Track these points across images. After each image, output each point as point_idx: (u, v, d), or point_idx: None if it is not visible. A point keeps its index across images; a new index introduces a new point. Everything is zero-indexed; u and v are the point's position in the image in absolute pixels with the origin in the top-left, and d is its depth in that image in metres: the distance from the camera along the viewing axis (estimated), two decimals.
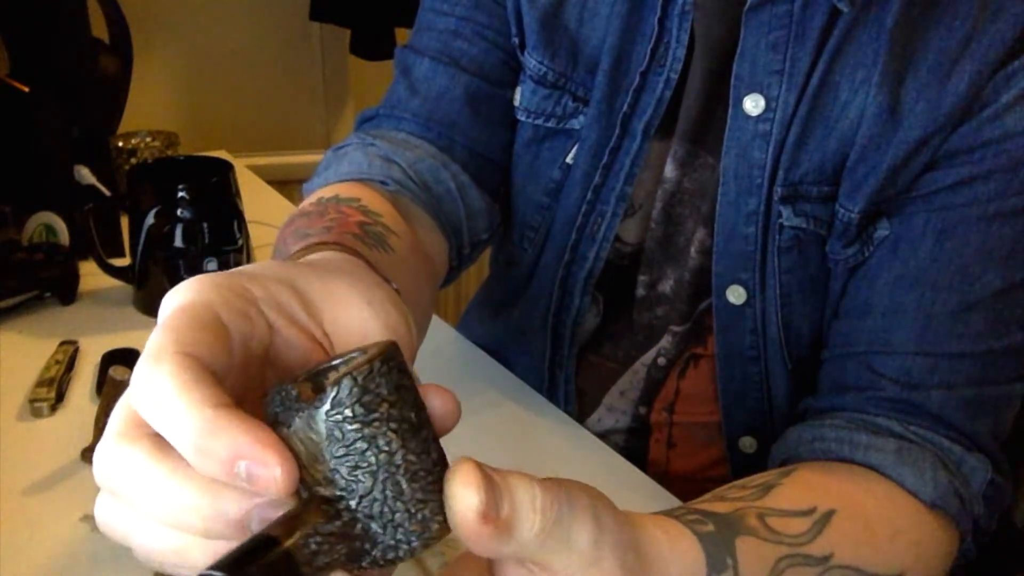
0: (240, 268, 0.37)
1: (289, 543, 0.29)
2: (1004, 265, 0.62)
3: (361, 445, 0.30)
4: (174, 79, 1.98)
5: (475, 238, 0.75)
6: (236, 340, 0.33)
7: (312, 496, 0.31)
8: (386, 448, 0.31)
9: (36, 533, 0.62)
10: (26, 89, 1.05)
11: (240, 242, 0.93)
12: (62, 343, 0.86)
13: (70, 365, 0.83)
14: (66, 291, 0.95)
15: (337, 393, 0.30)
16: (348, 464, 0.30)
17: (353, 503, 0.31)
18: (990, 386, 0.63)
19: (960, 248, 0.62)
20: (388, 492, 0.31)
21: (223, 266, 0.92)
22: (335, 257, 0.45)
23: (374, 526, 0.31)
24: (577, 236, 0.76)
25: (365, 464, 0.30)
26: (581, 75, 0.73)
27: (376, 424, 0.30)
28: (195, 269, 0.91)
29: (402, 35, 2.05)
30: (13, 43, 1.13)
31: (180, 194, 0.89)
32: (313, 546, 0.30)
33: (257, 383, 0.35)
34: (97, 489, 0.66)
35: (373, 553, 0.32)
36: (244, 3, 2.02)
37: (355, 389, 0.30)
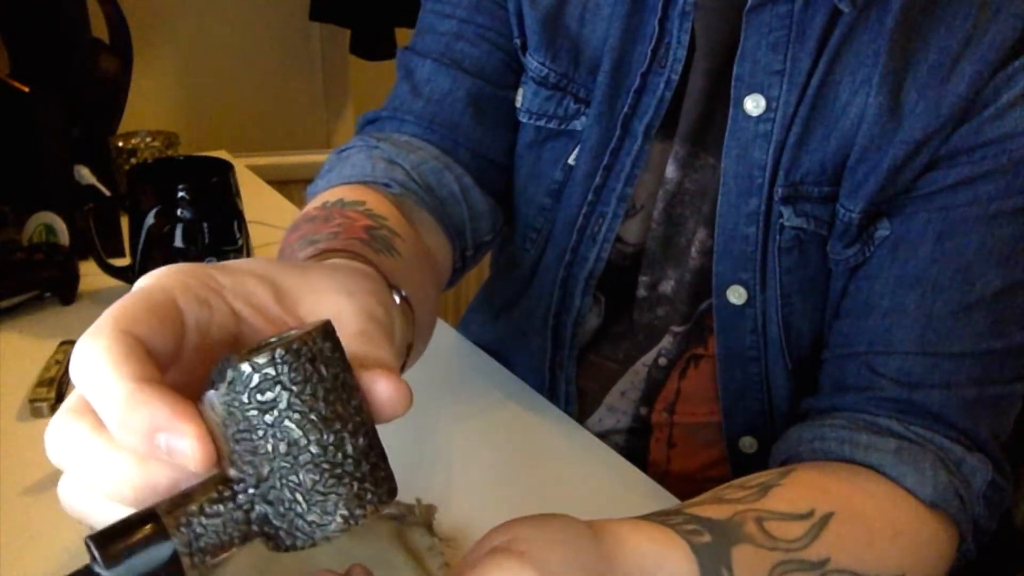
0: (219, 263, 0.37)
1: (167, 519, 0.29)
2: (1005, 265, 0.62)
3: (258, 431, 0.30)
4: (174, 79, 1.98)
5: (478, 240, 0.75)
6: (191, 325, 0.33)
7: (213, 475, 0.31)
8: (283, 437, 0.30)
9: (36, 533, 0.62)
10: (26, 89, 1.05)
11: (240, 242, 0.93)
12: (62, 343, 0.86)
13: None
14: (66, 291, 0.95)
15: (234, 376, 0.30)
16: (246, 448, 0.30)
17: (251, 488, 0.31)
18: (991, 386, 0.63)
19: (961, 248, 0.62)
20: (286, 481, 0.30)
21: None
22: (342, 264, 0.45)
23: (271, 513, 0.31)
24: (578, 237, 0.76)
25: (262, 451, 0.30)
26: (583, 76, 0.73)
27: (274, 412, 0.30)
28: None
29: (402, 35, 2.05)
30: (13, 43, 1.13)
31: (180, 194, 0.89)
32: (198, 527, 0.30)
33: None
34: None
35: (271, 541, 0.31)
36: (244, 3, 2.02)
37: (254, 375, 0.30)
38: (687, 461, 0.81)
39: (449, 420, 0.76)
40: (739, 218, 0.68)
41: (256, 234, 1.02)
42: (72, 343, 0.86)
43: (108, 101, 1.20)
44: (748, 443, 0.77)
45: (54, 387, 0.78)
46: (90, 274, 0.96)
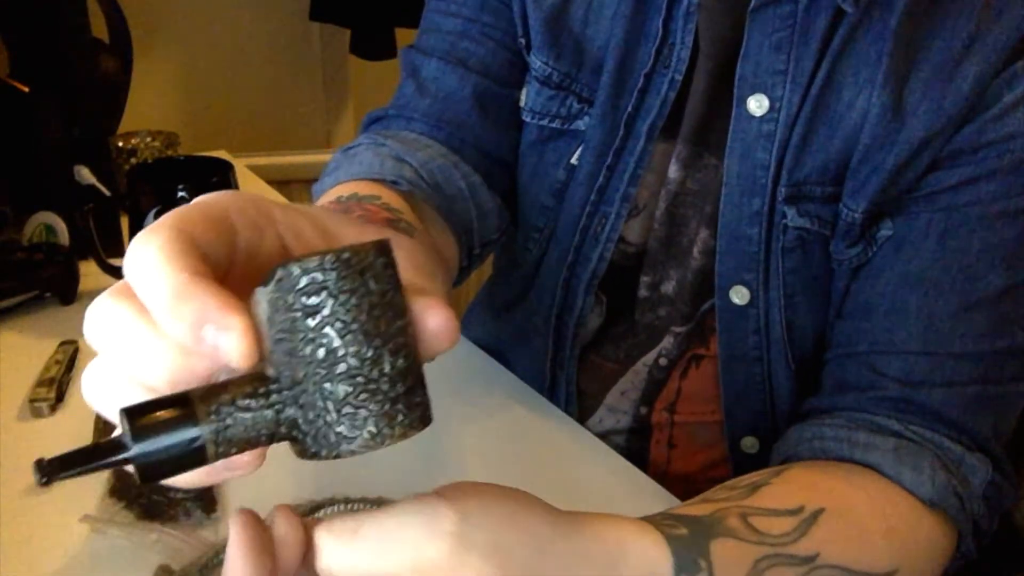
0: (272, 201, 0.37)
1: (200, 406, 0.29)
2: (1007, 265, 0.62)
3: (299, 334, 0.30)
4: (174, 79, 1.98)
5: (485, 238, 0.75)
6: (241, 246, 0.33)
7: (250, 372, 0.31)
8: (323, 344, 0.30)
9: (36, 533, 0.62)
10: (26, 89, 1.05)
11: None
12: (62, 343, 0.86)
13: (70, 365, 0.82)
14: (66, 291, 0.95)
15: (283, 275, 0.30)
16: (285, 348, 0.30)
17: (285, 389, 0.31)
18: (993, 385, 0.63)
19: (963, 248, 0.62)
20: (319, 388, 0.30)
21: None
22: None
23: (301, 418, 0.31)
24: (581, 237, 0.76)
25: (300, 353, 0.30)
26: (586, 76, 0.73)
27: (317, 317, 0.30)
28: None
29: (402, 35, 2.05)
30: (13, 43, 1.13)
31: (180, 194, 0.89)
32: (228, 419, 0.30)
33: None
34: (97, 491, 0.66)
35: (297, 445, 0.31)
36: (244, 3, 2.02)
37: (302, 277, 0.30)
38: (687, 462, 0.81)
39: (449, 420, 0.76)
40: (742, 218, 0.68)
41: None
42: (72, 343, 0.86)
43: (108, 101, 1.19)
44: (750, 443, 0.77)
45: (54, 387, 0.77)
46: (90, 274, 0.96)
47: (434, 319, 0.32)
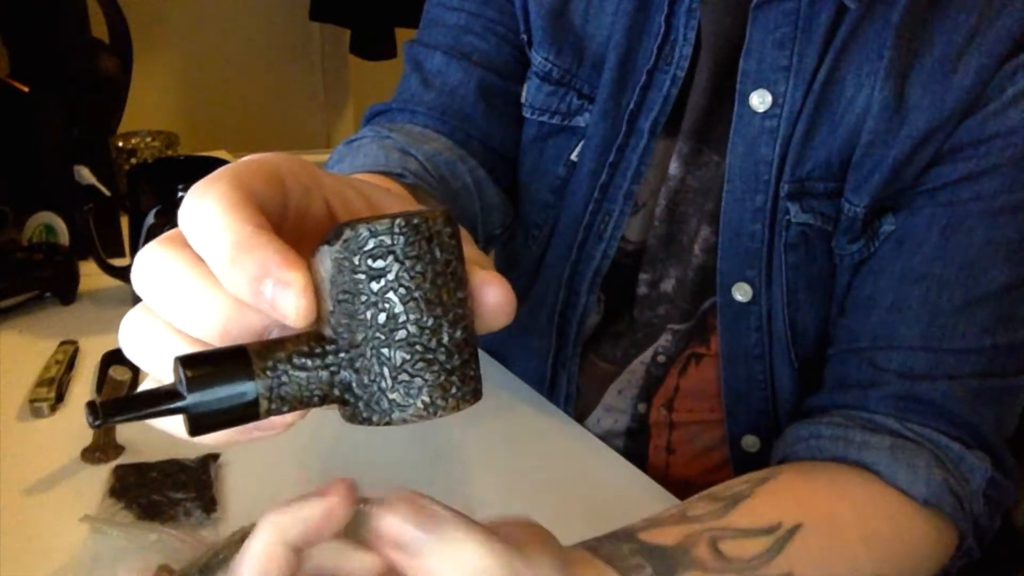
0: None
1: (256, 361, 0.29)
2: (1010, 260, 0.62)
3: (361, 296, 0.30)
4: (174, 79, 1.98)
5: (489, 233, 0.75)
6: (291, 206, 0.33)
7: (307, 331, 0.30)
8: (384, 309, 0.30)
9: (36, 533, 0.62)
10: (26, 89, 1.05)
11: None
12: (62, 343, 0.86)
13: (70, 365, 0.82)
14: (66, 291, 0.95)
15: (351, 236, 0.29)
16: (345, 310, 0.30)
17: (342, 352, 0.30)
18: (995, 379, 0.63)
19: (965, 243, 0.62)
20: (377, 353, 0.30)
21: None
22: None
23: (355, 382, 0.30)
24: (584, 235, 0.76)
25: (360, 316, 0.30)
26: (586, 72, 0.73)
27: (381, 281, 0.30)
28: None
29: (402, 35, 2.05)
30: (13, 43, 1.13)
31: (180, 194, 0.89)
32: (283, 375, 0.29)
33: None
34: (97, 491, 0.66)
35: (348, 408, 0.31)
36: (244, 3, 2.02)
37: (370, 239, 0.29)
38: (686, 467, 0.81)
39: (448, 420, 0.75)
40: (744, 215, 0.68)
41: None
42: (72, 343, 0.86)
43: (108, 101, 1.20)
44: (751, 442, 0.76)
45: (54, 387, 0.77)
46: (90, 274, 0.96)
47: (493, 294, 0.32)
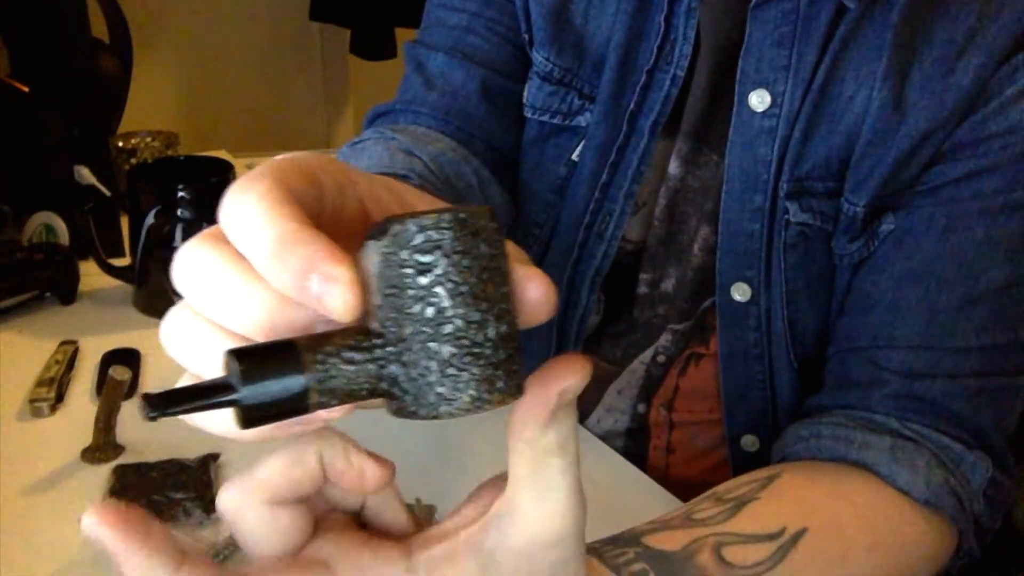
0: None
1: (306, 354, 0.29)
2: (1009, 259, 0.62)
3: (409, 291, 0.30)
4: (174, 79, 1.98)
5: None
6: (328, 204, 0.33)
7: (354, 325, 0.30)
8: (433, 303, 0.30)
9: (36, 533, 0.62)
10: (26, 89, 1.05)
11: None
12: (62, 343, 0.86)
13: (70, 365, 0.82)
14: (66, 291, 0.95)
15: (399, 231, 0.30)
16: (393, 305, 0.30)
17: (390, 346, 0.30)
18: (995, 378, 0.63)
19: (965, 242, 0.62)
20: (424, 347, 0.30)
21: None
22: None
23: (402, 376, 0.31)
24: (585, 234, 0.75)
25: (408, 310, 0.30)
26: (587, 72, 0.73)
27: (429, 275, 0.30)
28: None
29: (402, 35, 2.06)
30: (13, 43, 1.13)
31: (180, 194, 0.89)
32: (332, 368, 0.29)
33: None
34: (97, 491, 0.66)
35: (395, 403, 0.31)
36: (244, 3, 2.02)
37: (418, 234, 0.30)
38: (686, 468, 0.81)
39: (449, 421, 0.76)
40: (743, 214, 0.68)
41: None
42: (72, 343, 0.86)
43: (108, 101, 1.20)
44: (750, 442, 0.76)
45: (54, 387, 0.77)
46: (90, 274, 0.96)
47: (535, 289, 0.32)
